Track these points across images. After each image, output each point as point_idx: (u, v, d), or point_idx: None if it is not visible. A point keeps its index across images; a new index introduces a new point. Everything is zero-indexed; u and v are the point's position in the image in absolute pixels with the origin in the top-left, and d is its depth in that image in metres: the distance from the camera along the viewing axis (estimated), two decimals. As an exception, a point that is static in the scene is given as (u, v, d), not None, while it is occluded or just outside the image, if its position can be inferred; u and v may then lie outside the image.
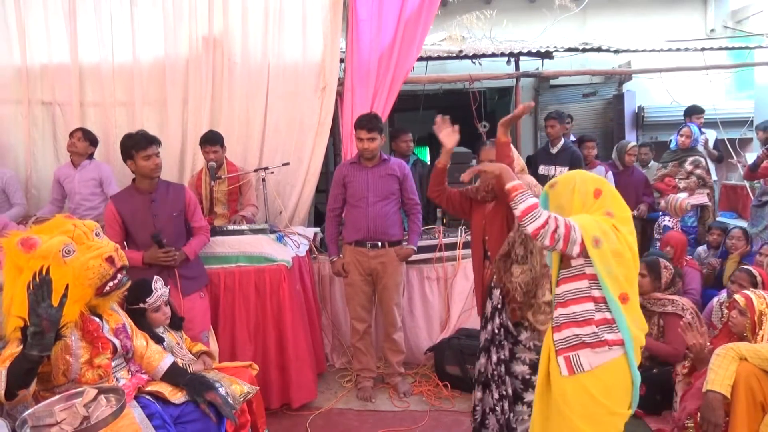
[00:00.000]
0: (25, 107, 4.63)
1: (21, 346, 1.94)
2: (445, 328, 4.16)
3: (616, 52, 6.38)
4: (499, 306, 2.79)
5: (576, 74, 6.47)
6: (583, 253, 1.94)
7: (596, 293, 1.97)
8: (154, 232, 3.13)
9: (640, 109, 7.06)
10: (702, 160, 5.30)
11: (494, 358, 2.80)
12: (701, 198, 5.19)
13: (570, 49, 6.18)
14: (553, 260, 2.13)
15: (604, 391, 1.94)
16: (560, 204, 2.07)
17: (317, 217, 5.71)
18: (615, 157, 5.42)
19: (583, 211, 2.02)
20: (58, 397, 1.80)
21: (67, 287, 1.99)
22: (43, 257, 2.13)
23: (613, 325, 1.96)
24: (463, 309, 4.14)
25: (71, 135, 4.21)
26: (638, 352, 2.01)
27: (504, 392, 2.75)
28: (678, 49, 6.34)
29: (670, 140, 5.61)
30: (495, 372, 2.80)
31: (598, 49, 6.25)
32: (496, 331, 2.79)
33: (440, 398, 3.74)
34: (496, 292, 2.80)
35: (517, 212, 1.98)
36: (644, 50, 6.30)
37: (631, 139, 6.54)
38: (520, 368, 2.77)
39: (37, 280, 1.93)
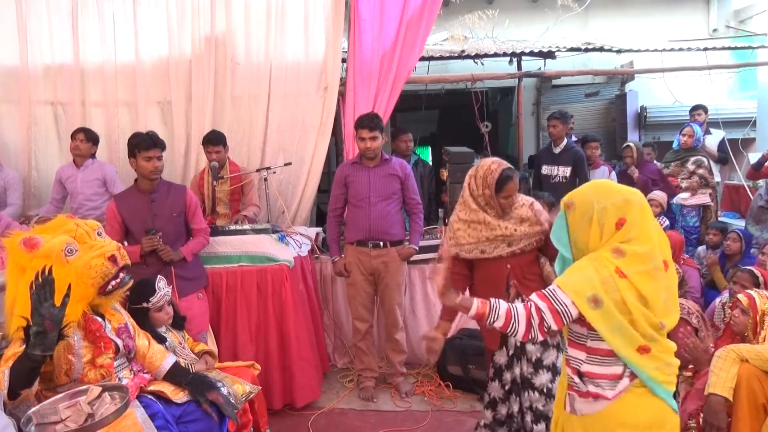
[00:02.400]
0: (27, 107, 4.63)
1: (24, 346, 1.94)
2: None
3: (619, 52, 6.37)
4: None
5: (578, 74, 6.47)
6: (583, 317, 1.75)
7: (592, 344, 1.78)
8: (147, 228, 3.15)
9: (643, 109, 7.06)
10: (704, 160, 5.29)
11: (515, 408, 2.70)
12: (703, 198, 5.18)
13: (572, 49, 6.18)
14: None
15: None
16: (577, 234, 1.82)
17: (319, 217, 5.72)
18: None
19: (601, 244, 1.77)
20: (62, 395, 1.80)
21: (69, 287, 2.00)
22: (45, 257, 2.13)
23: (606, 381, 1.77)
24: (465, 309, 4.13)
25: (73, 137, 4.22)
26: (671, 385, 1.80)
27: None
28: (680, 49, 6.33)
29: (674, 140, 5.60)
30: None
31: (601, 49, 6.24)
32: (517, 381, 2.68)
33: (442, 398, 3.73)
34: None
35: (497, 326, 1.81)
36: (647, 50, 6.29)
37: (633, 139, 6.54)
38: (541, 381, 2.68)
39: (40, 279, 1.93)
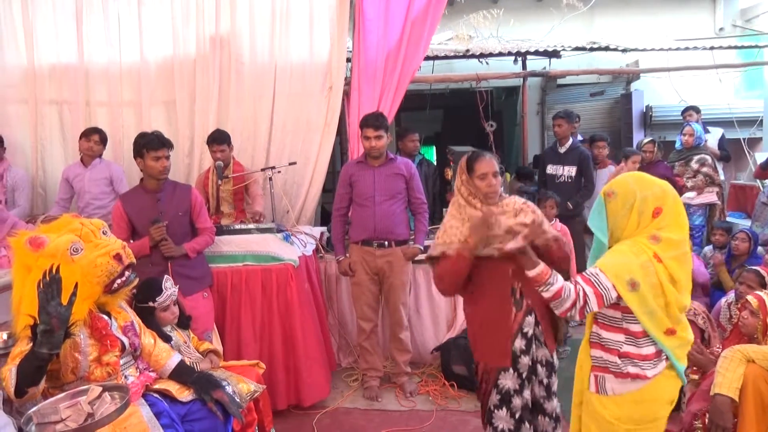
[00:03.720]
0: (33, 107, 4.66)
1: (31, 344, 1.95)
2: (452, 328, 4.15)
3: (624, 51, 6.35)
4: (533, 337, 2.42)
5: (583, 73, 6.46)
6: (622, 299, 1.88)
7: (631, 327, 1.92)
8: (153, 218, 3.16)
9: (648, 108, 7.03)
10: (708, 158, 5.27)
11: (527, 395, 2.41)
12: (710, 196, 5.16)
13: (577, 49, 6.16)
14: None
15: (624, 417, 1.94)
16: (616, 221, 1.96)
17: (323, 217, 5.73)
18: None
19: (636, 232, 1.92)
20: (63, 394, 1.81)
21: (76, 285, 2.00)
22: (51, 256, 2.15)
23: (646, 362, 1.91)
24: (469, 309, 4.13)
25: (87, 137, 4.24)
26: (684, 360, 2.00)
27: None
28: (687, 48, 6.31)
29: (677, 140, 5.59)
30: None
31: (606, 49, 6.23)
32: (534, 362, 2.41)
33: (447, 398, 3.73)
34: (530, 319, 2.40)
35: (545, 296, 1.95)
36: (652, 49, 6.27)
37: (639, 138, 6.51)
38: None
39: (47, 278, 1.94)
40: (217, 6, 4.53)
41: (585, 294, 1.88)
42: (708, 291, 4.25)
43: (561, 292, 1.91)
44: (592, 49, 6.26)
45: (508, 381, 2.37)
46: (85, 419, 1.60)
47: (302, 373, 3.55)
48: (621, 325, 1.94)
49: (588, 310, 1.90)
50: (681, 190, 5.17)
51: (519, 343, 2.38)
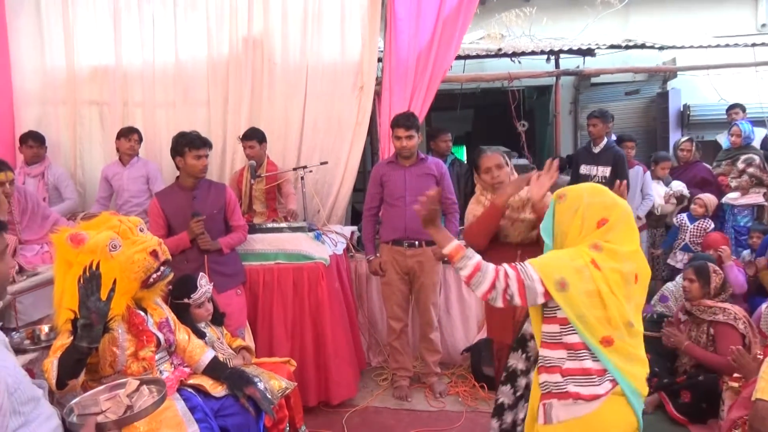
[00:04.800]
0: (73, 108, 4.80)
1: (71, 338, 2.00)
2: (482, 329, 4.11)
3: (661, 48, 6.21)
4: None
5: (618, 72, 6.31)
6: (551, 298, 1.76)
7: (570, 339, 1.79)
8: (193, 211, 3.21)
9: (686, 107, 6.84)
10: (756, 158, 5.08)
11: (521, 415, 2.46)
12: (755, 197, 4.98)
13: (613, 46, 6.04)
14: None
15: None
16: (561, 225, 1.88)
17: (354, 216, 5.75)
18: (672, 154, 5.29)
19: (578, 239, 1.83)
20: (102, 387, 1.86)
21: (114, 281, 2.05)
22: (91, 252, 2.20)
23: (591, 377, 1.76)
24: (500, 310, 4.09)
25: (126, 137, 4.35)
26: (643, 389, 1.82)
27: None
28: (727, 45, 6.13)
29: (718, 138, 5.43)
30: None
31: (642, 46, 6.09)
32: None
33: (477, 399, 3.71)
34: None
35: (462, 277, 1.83)
36: (690, 47, 6.11)
37: (675, 138, 6.36)
38: None
39: (87, 274, 1.99)
40: (250, 7, 4.59)
41: (506, 275, 1.76)
42: (746, 297, 4.12)
43: (479, 267, 1.79)
44: (627, 47, 6.13)
45: (517, 362, 2.45)
46: (124, 411, 1.64)
47: (331, 371, 3.57)
48: (561, 339, 1.81)
49: (509, 295, 1.75)
50: (725, 189, 5.02)
51: (530, 327, 2.39)
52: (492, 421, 2.55)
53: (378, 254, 3.80)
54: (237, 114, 4.65)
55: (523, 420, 2.42)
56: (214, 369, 2.51)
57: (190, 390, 2.39)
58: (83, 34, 4.76)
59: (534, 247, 2.61)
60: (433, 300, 3.77)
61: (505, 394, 2.47)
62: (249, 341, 3.29)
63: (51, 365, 2.00)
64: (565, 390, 1.78)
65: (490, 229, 2.57)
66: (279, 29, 4.61)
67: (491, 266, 1.80)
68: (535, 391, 1.92)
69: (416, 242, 3.68)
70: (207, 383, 2.43)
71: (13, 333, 2.66)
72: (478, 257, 1.82)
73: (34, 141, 4.38)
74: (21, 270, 3.02)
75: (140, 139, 4.43)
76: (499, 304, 1.78)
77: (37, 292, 2.96)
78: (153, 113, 4.77)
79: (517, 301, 1.76)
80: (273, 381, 2.63)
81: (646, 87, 7.31)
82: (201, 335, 2.71)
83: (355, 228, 4.48)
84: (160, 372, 2.35)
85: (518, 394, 2.46)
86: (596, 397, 1.75)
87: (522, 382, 2.46)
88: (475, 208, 2.80)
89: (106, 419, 1.58)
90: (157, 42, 4.73)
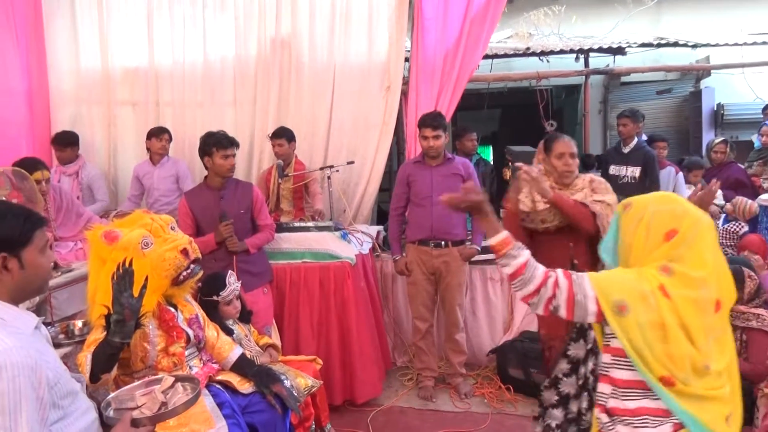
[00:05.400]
0: (107, 108, 4.91)
1: (104, 333, 2.05)
2: (509, 331, 4.09)
3: (695, 46, 6.08)
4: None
5: (650, 70, 6.20)
6: (605, 321, 1.54)
7: (615, 374, 1.57)
8: (221, 213, 3.25)
9: (720, 106, 6.69)
10: None
11: (584, 404, 2.43)
12: None
13: (644, 45, 5.94)
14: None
15: None
16: (624, 237, 1.64)
17: (379, 216, 5.76)
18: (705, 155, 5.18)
19: (644, 254, 1.58)
20: (138, 383, 1.89)
21: (146, 278, 2.09)
22: (124, 249, 2.24)
23: (643, 419, 1.52)
24: (527, 311, 4.05)
25: (158, 136, 4.43)
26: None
27: None
28: (764, 43, 5.97)
29: (754, 138, 5.29)
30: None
31: (675, 44, 5.98)
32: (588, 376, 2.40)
33: (502, 401, 3.68)
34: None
35: (504, 275, 1.66)
36: (725, 44, 5.97)
37: (709, 138, 6.22)
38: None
39: (120, 271, 2.03)
40: (278, 8, 4.63)
41: (556, 284, 1.56)
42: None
43: (524, 267, 1.59)
44: (659, 45, 6.02)
45: (579, 350, 2.41)
46: (159, 408, 1.67)
47: (356, 370, 3.58)
48: (608, 372, 1.60)
49: (554, 306, 1.56)
50: (758, 191, 4.89)
51: (577, 352, 2.40)
52: (555, 411, 2.49)
53: (404, 254, 3.80)
54: (264, 114, 4.70)
55: (588, 409, 2.38)
56: (242, 366, 2.54)
57: (218, 386, 2.42)
58: (117, 36, 4.86)
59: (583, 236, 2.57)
60: (459, 301, 3.76)
61: (569, 384, 2.45)
62: (276, 339, 3.32)
63: (85, 359, 2.05)
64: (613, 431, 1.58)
65: (515, 231, 2.53)
66: (307, 29, 4.64)
67: (540, 269, 1.61)
68: (594, 424, 1.74)
69: (442, 242, 3.66)
70: (235, 380, 2.46)
71: (49, 327, 2.72)
72: (526, 256, 1.63)
73: (57, 144, 4.47)
74: (56, 266, 3.10)
75: (170, 139, 4.51)
76: (540, 311, 1.61)
77: (71, 288, 3.03)
78: (183, 113, 4.85)
79: (563, 313, 1.58)
80: (299, 379, 2.65)
81: (679, 86, 7.16)
82: (229, 332, 2.74)
83: (381, 227, 4.48)
84: (190, 368, 2.39)
85: (581, 382, 2.44)
86: None
87: (582, 370, 2.44)
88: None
89: (141, 415, 1.60)
90: (186, 43, 4.81)
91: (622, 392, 1.56)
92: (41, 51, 4.79)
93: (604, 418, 1.59)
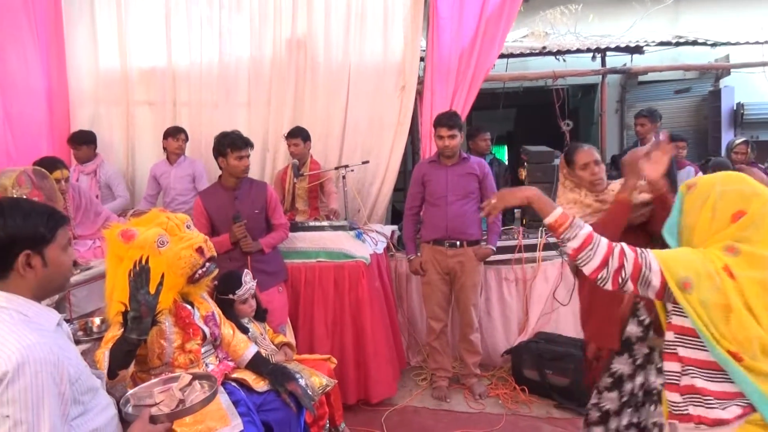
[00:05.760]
0: (125, 108, 4.96)
1: (122, 330, 2.07)
2: (524, 331, 4.06)
3: (714, 45, 5.98)
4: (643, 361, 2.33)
5: (668, 69, 6.12)
6: (668, 296, 1.50)
7: (682, 352, 1.52)
8: (234, 214, 3.26)
9: (740, 106, 6.59)
10: None
11: (624, 422, 2.38)
12: None
13: (662, 43, 5.86)
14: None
15: None
16: (688, 218, 1.59)
17: (394, 216, 5.76)
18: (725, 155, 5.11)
19: (709, 236, 1.53)
20: (156, 380, 1.91)
21: (162, 276, 2.11)
22: (140, 247, 2.27)
23: (707, 399, 1.47)
24: (542, 312, 4.03)
25: (174, 136, 4.47)
26: None
27: None
28: (785, 41, 5.87)
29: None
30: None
31: (694, 43, 5.89)
32: (652, 350, 2.32)
33: (517, 402, 3.66)
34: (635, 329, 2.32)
35: (568, 251, 1.61)
36: (746, 43, 5.88)
37: (728, 138, 6.13)
38: None
39: (137, 268, 2.05)
40: (294, 8, 4.65)
41: (622, 253, 1.52)
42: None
43: (590, 238, 1.56)
44: (678, 44, 5.94)
45: (622, 365, 2.34)
46: (177, 405, 1.69)
47: (371, 369, 3.58)
48: (675, 350, 1.55)
49: (623, 278, 1.51)
50: None
51: (635, 330, 2.33)
52: (596, 429, 2.42)
53: (419, 254, 3.79)
54: (279, 114, 4.72)
55: (627, 427, 2.37)
56: (257, 364, 2.56)
57: (233, 384, 2.44)
58: (135, 37, 4.91)
59: (629, 236, 2.45)
60: (474, 301, 3.74)
61: (611, 400, 2.38)
62: (290, 338, 3.33)
63: (103, 356, 2.07)
64: (686, 412, 1.52)
65: (620, 227, 2.33)
66: (322, 29, 4.65)
67: (604, 240, 1.57)
68: (664, 404, 1.69)
69: (457, 242, 3.65)
70: (250, 378, 2.48)
71: (68, 324, 2.75)
72: (589, 228, 1.59)
73: (74, 143, 4.53)
74: (75, 264, 3.14)
75: (186, 139, 4.55)
76: (609, 286, 1.55)
77: (90, 286, 3.08)
78: (199, 113, 4.88)
79: (630, 286, 1.53)
80: (314, 378, 2.66)
81: (697, 85, 7.06)
82: (244, 330, 2.76)
83: (395, 227, 4.48)
84: (206, 365, 2.41)
85: (624, 399, 2.38)
86: (721, 423, 1.46)
87: (628, 387, 2.37)
88: (571, 210, 2.49)
89: (159, 412, 1.62)
90: (203, 43, 4.84)
91: (691, 370, 1.52)
92: (61, 51, 4.86)
93: (676, 397, 1.55)
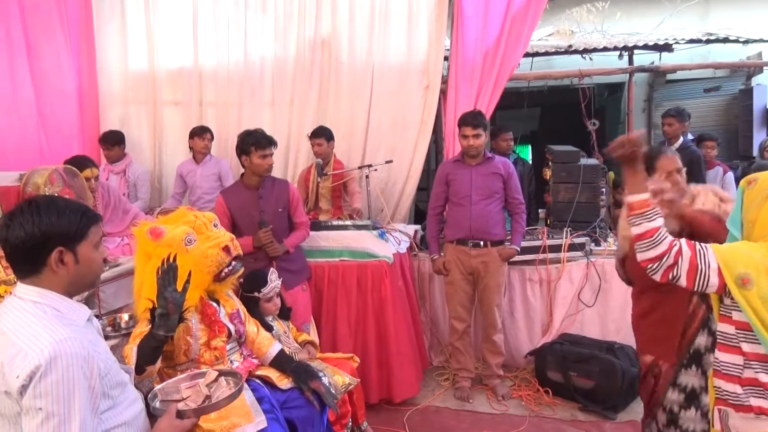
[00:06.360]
0: (152, 107, 5.05)
1: (149, 326, 2.11)
2: (547, 333, 4.02)
3: (746, 42, 5.85)
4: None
5: (698, 68, 5.99)
6: (727, 293, 1.55)
7: (746, 347, 1.56)
8: (260, 219, 3.28)
9: (772, 104, 6.43)
10: None
11: None
12: None
13: (692, 41, 5.75)
14: None
15: None
16: (749, 213, 1.62)
17: (417, 215, 5.75)
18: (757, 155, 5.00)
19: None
20: (183, 375, 1.95)
21: (189, 273, 2.14)
22: (168, 245, 2.31)
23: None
24: (567, 314, 3.98)
25: (200, 136, 4.54)
26: None
27: None
28: (820, 38, 5.71)
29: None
30: None
31: (725, 40, 5.76)
32: None
33: (540, 404, 3.62)
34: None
35: (631, 233, 1.67)
36: (780, 39, 5.73)
37: (760, 138, 5.98)
38: None
39: (165, 266, 2.08)
40: (318, 8, 4.67)
41: (680, 252, 1.56)
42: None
43: (654, 232, 1.60)
44: (708, 41, 5.82)
45: (691, 378, 2.20)
46: (203, 400, 1.71)
47: (393, 369, 3.58)
48: (737, 344, 1.58)
49: (674, 275, 1.57)
50: None
51: (705, 340, 2.20)
52: None
53: (442, 253, 3.78)
54: (303, 113, 4.75)
55: None
56: (281, 362, 2.57)
57: (257, 381, 2.46)
58: (163, 38, 5.00)
59: None
60: (497, 301, 3.72)
61: (692, 420, 2.20)
62: (314, 336, 3.35)
63: (131, 351, 2.11)
64: (747, 403, 1.57)
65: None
66: (346, 29, 4.67)
67: (668, 238, 1.61)
68: (711, 393, 1.74)
69: (481, 242, 3.63)
70: (274, 375, 2.50)
71: (98, 320, 2.82)
72: (659, 222, 1.63)
73: (105, 143, 4.62)
74: (104, 261, 3.19)
75: (212, 138, 4.61)
76: (657, 278, 1.61)
77: (118, 282, 3.13)
78: (225, 113, 4.95)
79: (683, 282, 1.58)
80: (337, 376, 2.67)
81: (728, 83, 6.90)
82: (269, 328, 2.78)
83: (418, 227, 4.48)
84: (231, 362, 2.44)
85: (705, 411, 2.20)
86: None
87: (705, 399, 2.20)
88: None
89: (186, 407, 1.65)
90: (229, 43, 4.90)
91: (755, 365, 1.55)
92: (92, 53, 4.97)
93: (736, 388, 1.58)
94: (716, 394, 1.65)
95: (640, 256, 1.62)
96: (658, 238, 1.60)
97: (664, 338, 2.26)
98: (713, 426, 1.68)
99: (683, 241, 1.61)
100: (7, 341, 1.35)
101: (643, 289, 2.39)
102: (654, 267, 1.60)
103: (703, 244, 1.60)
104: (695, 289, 1.59)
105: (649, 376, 2.35)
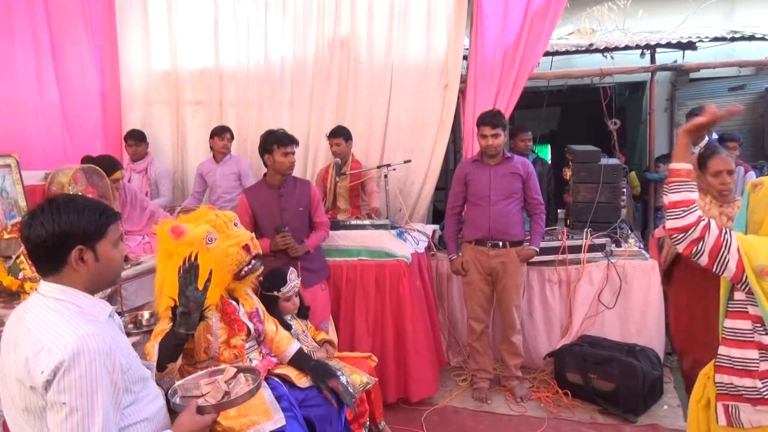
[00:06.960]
0: (174, 107, 5.12)
1: (171, 324, 2.13)
2: (567, 334, 3.98)
3: (772, 40, 5.72)
4: None
5: (722, 66, 5.88)
6: (743, 285, 1.59)
7: (765, 339, 1.61)
8: (278, 225, 3.30)
9: (799, 103, 6.29)
10: None
11: None
12: None
13: (716, 39, 5.64)
14: (722, 285, 1.77)
15: None
16: (754, 215, 1.69)
17: (435, 215, 5.73)
18: None
19: None
20: (203, 372, 1.97)
21: (210, 272, 2.16)
22: (189, 244, 2.33)
23: None
24: (586, 315, 3.94)
25: (220, 135, 4.59)
26: None
27: None
28: None
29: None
30: None
31: (751, 38, 5.65)
32: None
33: (559, 406, 3.59)
34: None
35: (665, 200, 1.71)
36: (808, 37, 5.60)
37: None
38: None
39: (186, 265, 2.11)
40: (337, 8, 4.69)
41: (707, 227, 1.62)
42: None
43: (690, 204, 1.66)
44: (733, 39, 5.70)
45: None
46: (222, 396, 1.73)
47: (411, 369, 3.58)
48: (753, 338, 1.63)
49: (698, 249, 1.61)
50: None
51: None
52: None
53: (460, 253, 3.77)
54: (321, 113, 4.77)
55: None
56: (299, 360, 2.59)
57: (276, 379, 2.48)
58: (185, 39, 5.06)
59: None
60: (516, 302, 3.70)
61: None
62: (332, 335, 3.36)
63: (153, 348, 2.14)
64: (765, 396, 1.61)
65: None
66: (365, 29, 4.68)
67: (698, 212, 1.67)
68: (705, 391, 1.78)
69: (500, 242, 3.61)
70: (292, 374, 2.51)
71: (119, 317, 2.86)
72: (695, 195, 1.69)
73: (132, 139, 4.72)
74: (126, 259, 3.25)
75: (232, 138, 4.66)
76: (680, 249, 1.67)
77: (140, 280, 3.18)
78: (245, 113, 4.99)
79: (704, 260, 1.63)
80: (355, 375, 2.68)
81: (754, 82, 6.76)
82: (287, 327, 2.80)
83: (436, 227, 4.47)
84: (250, 360, 2.46)
85: None
86: None
87: None
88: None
89: (205, 403, 1.67)
90: (250, 44, 4.94)
91: None
92: (114, 54, 5.06)
93: (755, 383, 1.62)
94: (719, 389, 1.69)
95: (670, 224, 1.67)
96: (690, 210, 1.65)
97: (704, 337, 2.29)
98: (717, 421, 1.70)
99: (712, 220, 1.66)
100: (31, 337, 1.37)
101: (678, 285, 2.37)
102: (679, 237, 1.65)
103: (730, 231, 1.63)
104: (713, 269, 1.63)
105: (686, 377, 2.40)
